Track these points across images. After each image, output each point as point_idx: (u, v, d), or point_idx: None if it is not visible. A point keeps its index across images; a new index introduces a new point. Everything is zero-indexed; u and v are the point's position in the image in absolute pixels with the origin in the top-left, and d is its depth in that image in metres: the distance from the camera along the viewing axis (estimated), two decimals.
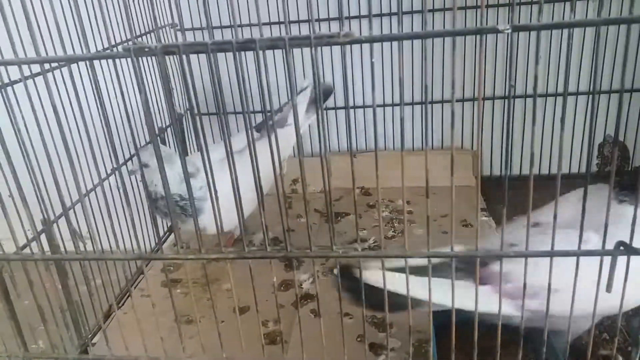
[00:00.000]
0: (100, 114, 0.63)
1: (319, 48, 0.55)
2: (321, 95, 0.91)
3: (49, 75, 0.63)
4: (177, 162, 1.15)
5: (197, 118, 0.60)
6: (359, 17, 1.56)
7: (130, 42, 0.57)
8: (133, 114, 0.63)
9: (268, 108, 0.59)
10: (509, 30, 0.53)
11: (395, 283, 0.77)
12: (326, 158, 0.62)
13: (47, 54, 0.94)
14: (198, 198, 1.16)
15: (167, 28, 1.49)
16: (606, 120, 1.57)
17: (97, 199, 1.01)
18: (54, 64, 0.93)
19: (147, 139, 1.26)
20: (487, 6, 1.46)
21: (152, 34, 1.36)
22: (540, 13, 0.54)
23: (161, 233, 1.52)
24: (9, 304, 0.88)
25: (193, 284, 1.26)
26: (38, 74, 0.83)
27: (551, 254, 0.62)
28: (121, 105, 0.61)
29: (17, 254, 0.80)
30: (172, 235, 1.53)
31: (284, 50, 0.56)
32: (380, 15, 1.52)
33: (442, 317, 0.94)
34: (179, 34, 1.51)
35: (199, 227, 0.70)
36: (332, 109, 1.69)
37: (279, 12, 1.49)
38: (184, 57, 0.59)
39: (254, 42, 0.56)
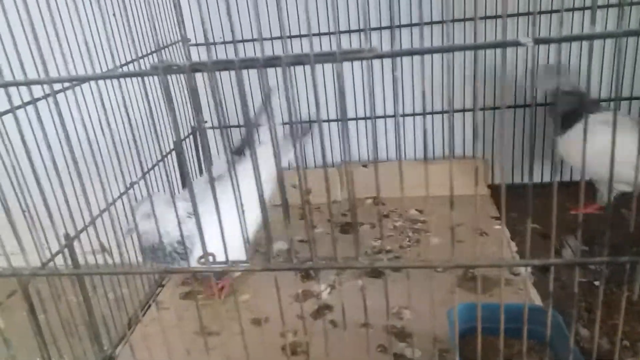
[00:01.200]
0: (126, 130, 0.65)
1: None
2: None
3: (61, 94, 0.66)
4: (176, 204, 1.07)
5: (224, 132, 0.62)
6: (379, 28, 1.55)
7: (136, 62, 0.59)
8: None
9: (294, 120, 0.60)
10: (531, 44, 0.54)
11: None
12: (346, 170, 0.63)
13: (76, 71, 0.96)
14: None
15: (180, 44, 1.51)
16: None
17: (116, 213, 1.03)
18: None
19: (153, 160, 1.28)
20: (508, 15, 1.46)
21: (173, 48, 1.39)
22: (561, 25, 0.55)
23: None
24: (34, 319, 0.89)
25: (212, 295, 1.27)
26: (58, 91, 0.85)
27: None
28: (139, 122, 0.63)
29: (44, 269, 0.82)
30: None
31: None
32: (400, 26, 1.50)
33: (463, 327, 0.94)
34: (190, 48, 1.53)
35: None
36: (354, 119, 1.70)
37: (279, 26, 1.51)
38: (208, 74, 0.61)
39: (279, 59, 0.57)
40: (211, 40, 1.59)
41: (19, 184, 0.77)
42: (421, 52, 0.56)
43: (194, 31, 1.56)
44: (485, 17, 1.48)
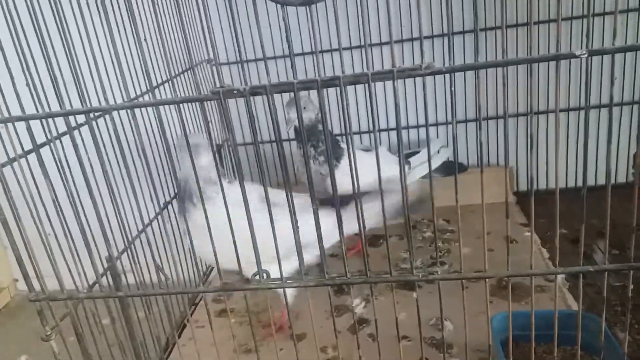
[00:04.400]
0: (160, 152, 0.66)
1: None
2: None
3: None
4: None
5: (280, 149, 0.63)
6: (410, 39, 1.59)
7: (169, 83, 0.60)
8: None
9: (350, 141, 0.61)
10: (585, 55, 0.56)
11: None
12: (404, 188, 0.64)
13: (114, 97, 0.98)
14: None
15: (204, 64, 1.54)
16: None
17: (155, 232, 1.05)
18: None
19: None
20: (563, 19, 1.48)
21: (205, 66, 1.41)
22: (614, 37, 0.56)
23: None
24: (80, 343, 0.90)
25: (245, 312, 1.28)
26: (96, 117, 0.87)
27: None
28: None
29: (87, 293, 0.82)
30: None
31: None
32: (432, 36, 1.54)
33: (504, 336, 0.94)
34: (214, 68, 1.56)
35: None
36: (385, 130, 1.72)
37: (310, 42, 1.54)
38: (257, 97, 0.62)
39: (338, 79, 0.59)
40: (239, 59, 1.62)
41: (60, 210, 0.78)
42: (477, 67, 0.57)
43: (217, 50, 1.59)
44: (539, 22, 1.50)
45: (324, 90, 0.59)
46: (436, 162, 1.40)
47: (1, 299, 1.99)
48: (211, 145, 0.70)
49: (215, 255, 0.70)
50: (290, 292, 1.08)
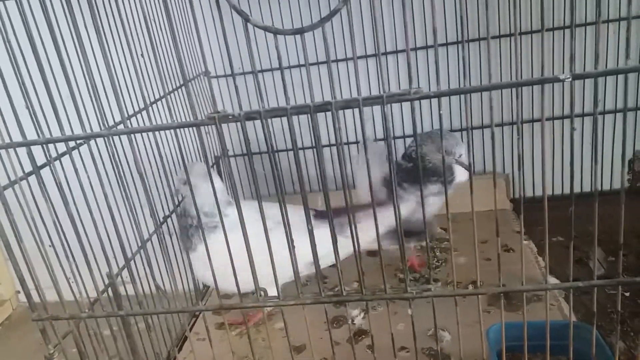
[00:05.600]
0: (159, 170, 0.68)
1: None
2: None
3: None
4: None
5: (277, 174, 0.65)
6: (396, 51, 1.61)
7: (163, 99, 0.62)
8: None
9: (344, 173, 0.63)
10: (570, 79, 0.57)
11: None
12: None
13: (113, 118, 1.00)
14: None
15: (202, 77, 1.55)
16: (634, 136, 1.60)
17: (156, 247, 1.06)
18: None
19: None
20: (547, 29, 1.50)
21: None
22: (596, 61, 0.58)
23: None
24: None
25: (242, 324, 1.29)
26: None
27: None
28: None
29: (89, 313, 0.84)
30: None
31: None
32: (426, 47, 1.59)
33: (500, 346, 0.96)
34: (210, 80, 1.58)
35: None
36: (400, 137, 1.74)
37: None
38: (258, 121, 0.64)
39: (330, 104, 0.60)
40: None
41: (61, 229, 0.79)
42: (465, 92, 0.59)
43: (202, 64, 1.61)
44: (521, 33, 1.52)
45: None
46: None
47: (3, 312, 2.00)
48: (209, 172, 0.71)
49: (235, 277, 0.71)
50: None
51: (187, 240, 1.15)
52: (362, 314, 1.24)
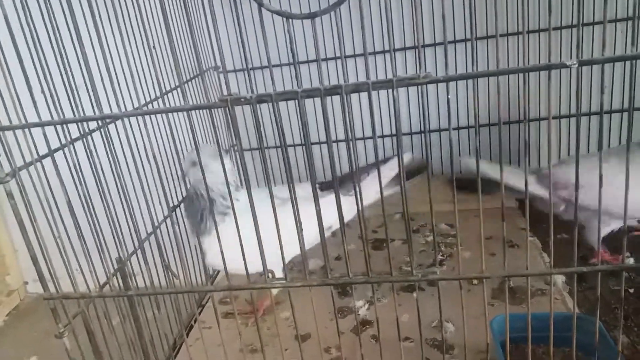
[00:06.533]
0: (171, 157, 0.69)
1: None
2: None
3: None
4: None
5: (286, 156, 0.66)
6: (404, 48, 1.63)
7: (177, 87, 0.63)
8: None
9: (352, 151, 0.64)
10: (576, 65, 0.58)
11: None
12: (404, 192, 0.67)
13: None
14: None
15: (211, 71, 1.57)
16: None
17: (164, 233, 1.08)
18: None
19: None
20: (554, 28, 1.52)
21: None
22: (603, 47, 0.59)
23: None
24: (91, 341, 0.93)
25: (251, 314, 1.30)
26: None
27: None
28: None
29: (98, 293, 0.85)
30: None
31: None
32: (434, 44, 1.60)
33: (503, 337, 0.96)
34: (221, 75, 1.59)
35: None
36: (380, 136, 1.75)
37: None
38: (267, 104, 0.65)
39: (340, 88, 0.62)
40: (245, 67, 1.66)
41: (72, 212, 0.81)
42: (473, 76, 0.60)
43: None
44: (529, 31, 1.54)
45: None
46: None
47: (11, 301, 2.03)
48: (220, 154, 0.72)
49: (244, 261, 0.72)
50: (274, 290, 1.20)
51: (200, 223, 1.15)
52: (367, 305, 1.25)
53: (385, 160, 1.20)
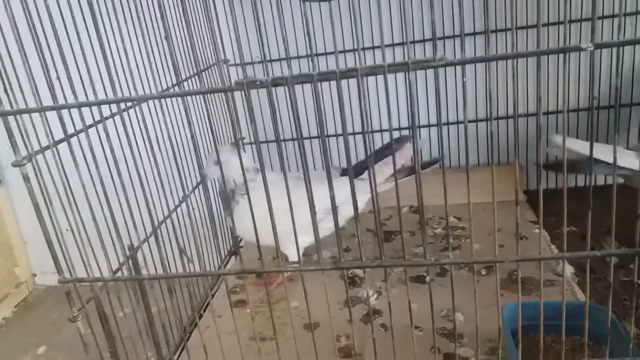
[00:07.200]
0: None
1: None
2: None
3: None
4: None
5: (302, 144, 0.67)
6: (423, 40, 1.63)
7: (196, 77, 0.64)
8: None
9: (367, 132, 0.65)
10: (592, 48, 0.58)
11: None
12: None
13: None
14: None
15: (221, 64, 1.58)
16: None
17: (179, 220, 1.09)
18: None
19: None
20: (570, 21, 1.49)
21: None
22: (619, 29, 0.59)
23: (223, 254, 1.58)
24: (104, 326, 0.93)
25: (260, 303, 1.31)
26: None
27: None
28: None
29: (112, 276, 0.86)
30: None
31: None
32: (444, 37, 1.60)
33: (514, 326, 0.97)
34: (232, 68, 1.60)
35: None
36: (397, 129, 1.75)
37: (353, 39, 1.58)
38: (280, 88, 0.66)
39: (356, 70, 0.62)
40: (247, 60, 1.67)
41: (87, 199, 0.82)
42: (487, 60, 0.60)
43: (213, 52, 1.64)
44: (549, 24, 1.52)
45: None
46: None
47: (20, 293, 2.04)
48: (237, 147, 0.75)
49: (256, 234, 0.74)
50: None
51: (230, 202, 1.29)
52: (376, 295, 1.26)
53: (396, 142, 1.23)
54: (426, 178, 1.11)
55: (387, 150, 1.17)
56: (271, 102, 0.65)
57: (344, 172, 1.31)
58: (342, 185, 0.72)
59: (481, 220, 1.00)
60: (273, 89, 0.64)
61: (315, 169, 1.69)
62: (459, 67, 0.63)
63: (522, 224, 1.47)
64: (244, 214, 0.81)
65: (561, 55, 1.48)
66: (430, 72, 1.55)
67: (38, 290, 2.11)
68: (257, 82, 0.64)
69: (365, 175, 1.19)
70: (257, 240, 0.72)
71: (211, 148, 1.36)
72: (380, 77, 0.63)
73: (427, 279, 0.72)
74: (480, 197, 0.84)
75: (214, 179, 1.35)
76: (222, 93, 1.34)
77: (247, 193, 0.71)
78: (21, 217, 1.98)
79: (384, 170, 1.16)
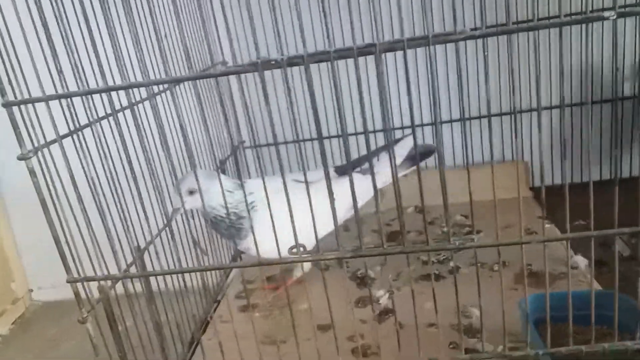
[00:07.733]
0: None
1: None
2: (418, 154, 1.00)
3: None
4: (221, 179, 1.04)
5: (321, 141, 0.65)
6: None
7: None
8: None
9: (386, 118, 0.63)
10: (614, 17, 0.57)
11: None
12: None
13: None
14: (242, 214, 1.13)
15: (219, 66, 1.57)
16: None
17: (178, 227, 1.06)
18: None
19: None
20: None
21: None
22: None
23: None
24: (112, 329, 0.90)
25: (269, 307, 1.28)
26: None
27: None
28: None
29: (123, 274, 0.83)
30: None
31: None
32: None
33: (535, 317, 0.95)
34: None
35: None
36: (399, 128, 1.74)
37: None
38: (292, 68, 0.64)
39: (374, 46, 0.61)
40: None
41: (97, 199, 0.80)
42: (509, 32, 0.59)
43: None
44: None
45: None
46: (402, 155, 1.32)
47: (16, 310, 1.99)
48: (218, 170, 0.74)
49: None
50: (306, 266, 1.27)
51: (236, 233, 1.16)
52: (387, 295, 1.23)
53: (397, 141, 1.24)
54: (430, 177, 1.11)
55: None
56: (287, 87, 0.63)
57: (341, 171, 1.28)
58: (357, 182, 0.72)
59: (488, 218, 0.99)
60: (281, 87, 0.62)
61: (316, 166, 1.66)
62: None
63: (530, 220, 1.46)
64: (264, 232, 0.76)
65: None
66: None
67: (35, 306, 2.06)
68: (272, 62, 0.62)
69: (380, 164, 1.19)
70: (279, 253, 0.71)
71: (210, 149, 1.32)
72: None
73: (451, 264, 0.70)
74: (484, 195, 0.83)
75: (192, 211, 1.16)
76: (221, 94, 1.32)
77: (269, 208, 0.70)
78: (16, 228, 1.93)
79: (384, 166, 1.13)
